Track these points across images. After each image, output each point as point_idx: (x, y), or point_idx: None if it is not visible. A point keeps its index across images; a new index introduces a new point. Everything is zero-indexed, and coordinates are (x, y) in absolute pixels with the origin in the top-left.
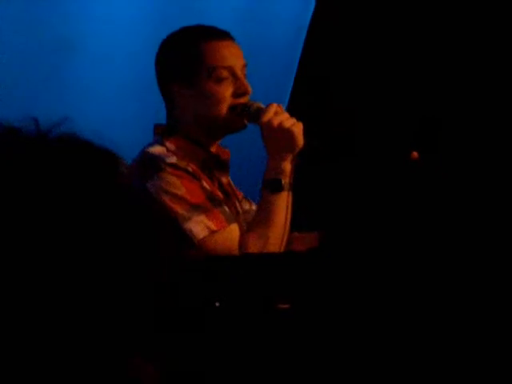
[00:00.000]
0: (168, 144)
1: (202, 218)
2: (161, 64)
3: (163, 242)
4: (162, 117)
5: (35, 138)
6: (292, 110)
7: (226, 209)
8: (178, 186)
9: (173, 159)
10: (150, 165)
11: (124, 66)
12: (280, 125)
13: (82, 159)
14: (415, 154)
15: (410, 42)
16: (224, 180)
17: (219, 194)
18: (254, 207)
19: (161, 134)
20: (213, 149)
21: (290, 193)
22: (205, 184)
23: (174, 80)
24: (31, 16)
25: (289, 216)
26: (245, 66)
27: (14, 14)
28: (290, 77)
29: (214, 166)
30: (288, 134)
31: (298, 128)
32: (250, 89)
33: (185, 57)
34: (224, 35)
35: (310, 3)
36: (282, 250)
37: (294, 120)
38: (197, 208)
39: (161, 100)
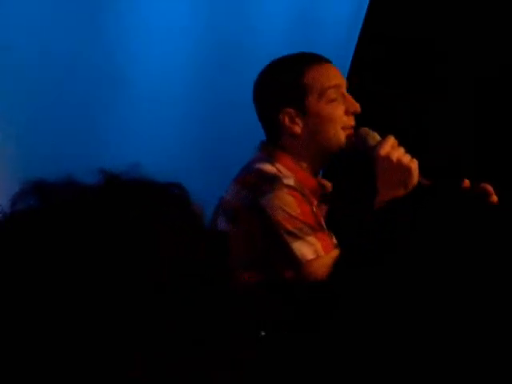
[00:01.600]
0: (279, 166)
1: (313, 240)
2: (265, 93)
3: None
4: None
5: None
6: None
7: (332, 235)
8: (294, 206)
9: (290, 181)
10: (267, 182)
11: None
12: (398, 160)
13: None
14: (467, 181)
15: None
16: (323, 213)
17: (323, 221)
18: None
19: (271, 154)
20: (318, 178)
21: None
22: (314, 209)
23: (283, 107)
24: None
25: None
26: (348, 86)
27: (58, 45)
28: None
29: (320, 195)
30: (405, 171)
31: (414, 165)
32: (359, 107)
33: (292, 84)
34: (324, 59)
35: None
36: None
37: (409, 156)
38: (308, 228)
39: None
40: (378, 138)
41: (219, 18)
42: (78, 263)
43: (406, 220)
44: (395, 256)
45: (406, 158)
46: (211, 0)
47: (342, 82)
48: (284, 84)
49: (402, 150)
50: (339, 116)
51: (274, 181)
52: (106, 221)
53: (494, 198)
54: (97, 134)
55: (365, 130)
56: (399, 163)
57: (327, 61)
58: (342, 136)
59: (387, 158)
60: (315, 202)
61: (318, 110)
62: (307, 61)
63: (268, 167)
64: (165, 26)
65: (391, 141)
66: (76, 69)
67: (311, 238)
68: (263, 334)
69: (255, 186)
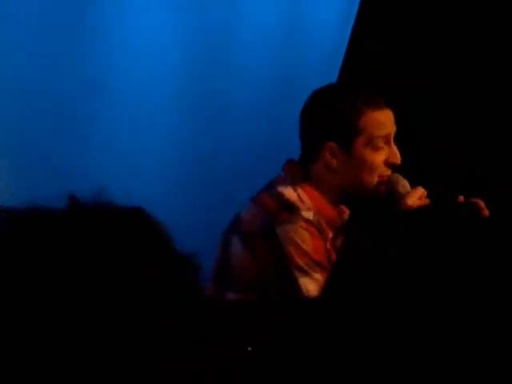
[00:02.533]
0: (301, 192)
1: (319, 276)
2: (316, 120)
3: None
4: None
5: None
6: None
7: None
8: (307, 241)
9: (309, 215)
10: (286, 211)
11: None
12: (411, 208)
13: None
14: (461, 197)
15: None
16: (340, 241)
17: (334, 256)
18: None
19: (295, 177)
20: (338, 208)
21: None
22: (328, 245)
23: (330, 138)
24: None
25: None
26: (395, 133)
27: (36, 53)
28: None
29: (337, 226)
30: None
31: None
32: (399, 160)
33: (346, 123)
34: (383, 103)
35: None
36: None
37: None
38: (317, 266)
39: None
40: (407, 186)
41: (204, 25)
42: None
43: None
44: (391, 272)
45: None
46: (197, 9)
47: (393, 130)
48: (338, 120)
49: (428, 202)
50: (379, 165)
51: (293, 211)
52: (66, 246)
53: (486, 213)
54: (75, 144)
55: (396, 176)
56: None
57: (385, 105)
58: (374, 183)
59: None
60: (330, 235)
61: (362, 155)
62: (368, 103)
63: (290, 192)
64: (149, 36)
65: (420, 192)
66: (58, 78)
67: (318, 276)
68: (250, 349)
69: (274, 212)
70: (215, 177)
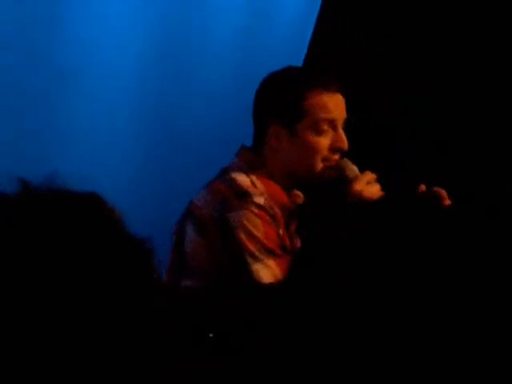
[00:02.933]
0: (253, 178)
1: (272, 263)
2: (263, 102)
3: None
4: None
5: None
6: None
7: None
8: (259, 227)
9: (260, 200)
10: (237, 197)
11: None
12: (370, 198)
13: (66, 216)
14: (423, 186)
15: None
16: (293, 225)
17: (287, 241)
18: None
19: (248, 163)
20: (292, 192)
21: None
22: (281, 231)
23: (274, 121)
24: (29, 44)
25: None
26: (345, 120)
27: (11, 40)
28: None
29: (290, 211)
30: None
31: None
32: (346, 145)
33: (290, 102)
34: (332, 85)
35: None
36: None
37: (383, 193)
38: (269, 252)
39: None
40: (356, 171)
41: (168, 17)
42: None
43: (363, 228)
44: (354, 262)
45: (378, 196)
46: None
47: (341, 116)
48: (283, 101)
49: (376, 187)
50: (323, 148)
51: (244, 197)
52: (18, 233)
53: (447, 202)
54: (37, 129)
55: (345, 161)
56: (370, 200)
57: (335, 89)
58: (317, 167)
59: (360, 193)
60: (282, 220)
61: (306, 137)
62: (314, 84)
63: (242, 178)
64: (116, 25)
65: (368, 177)
66: (27, 64)
67: (271, 262)
68: (211, 335)
69: (225, 198)
70: (177, 164)
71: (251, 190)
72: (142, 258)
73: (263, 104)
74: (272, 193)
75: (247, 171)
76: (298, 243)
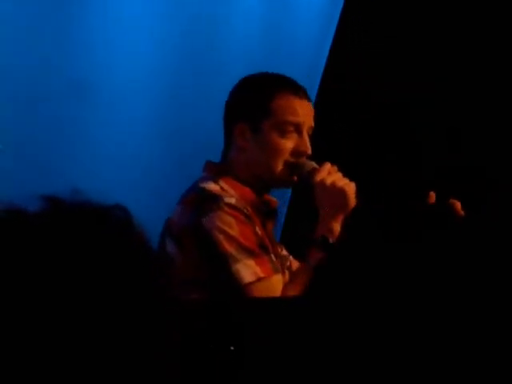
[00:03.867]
0: (222, 184)
1: (251, 262)
2: (232, 102)
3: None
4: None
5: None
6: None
7: (273, 257)
8: (233, 226)
9: (232, 200)
10: (209, 201)
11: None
12: (332, 184)
13: (94, 232)
14: (432, 194)
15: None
16: (270, 228)
17: (267, 241)
18: (284, 252)
19: (215, 172)
20: (263, 196)
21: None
22: (257, 229)
23: (240, 120)
24: (40, 59)
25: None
26: (312, 128)
27: (21, 54)
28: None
29: (264, 212)
30: (340, 193)
31: (350, 188)
32: (310, 150)
33: (257, 102)
34: (300, 91)
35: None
36: None
37: (346, 180)
38: (247, 251)
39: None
40: (314, 166)
41: (187, 28)
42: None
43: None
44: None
45: (341, 182)
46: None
47: (307, 122)
48: (251, 100)
49: (338, 175)
50: (285, 151)
51: (215, 200)
52: (52, 247)
53: (461, 213)
54: (55, 143)
55: (303, 160)
56: (333, 187)
57: (302, 94)
58: (278, 168)
59: (322, 183)
60: (258, 221)
61: (269, 137)
62: (284, 87)
63: (211, 186)
64: (132, 35)
65: (327, 167)
66: (41, 77)
67: (250, 262)
68: (232, 348)
69: (198, 205)
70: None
71: (220, 193)
72: (167, 275)
73: (232, 104)
74: (242, 194)
75: (215, 179)
76: (279, 247)
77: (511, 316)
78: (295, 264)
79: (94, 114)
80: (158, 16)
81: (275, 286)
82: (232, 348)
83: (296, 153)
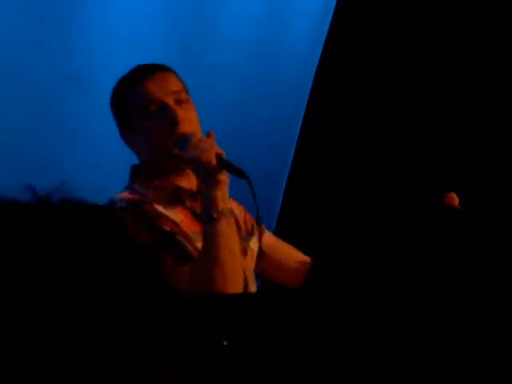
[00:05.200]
0: (136, 186)
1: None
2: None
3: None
4: None
5: (34, 208)
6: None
7: (186, 245)
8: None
9: (123, 204)
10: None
11: None
12: (189, 156)
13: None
14: (453, 195)
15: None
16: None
17: (194, 226)
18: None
19: (133, 177)
20: (181, 181)
21: (228, 221)
22: (161, 225)
23: (120, 127)
24: (38, 49)
25: (233, 247)
26: (180, 90)
27: (20, 45)
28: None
29: (186, 197)
30: (196, 163)
31: (206, 154)
32: (178, 116)
33: (119, 106)
34: (147, 72)
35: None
36: (238, 276)
37: (206, 147)
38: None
39: None
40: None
41: (185, 23)
42: None
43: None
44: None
45: (206, 154)
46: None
47: (162, 92)
48: (114, 106)
49: (201, 145)
50: (158, 133)
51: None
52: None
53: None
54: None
55: (184, 135)
56: (199, 159)
57: (150, 73)
58: (165, 150)
59: (189, 158)
60: (179, 209)
61: (141, 127)
62: (128, 81)
63: (116, 196)
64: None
65: (193, 142)
66: (37, 69)
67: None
68: (225, 343)
69: None
70: None
71: (114, 201)
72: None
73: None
74: (154, 188)
75: (131, 184)
76: (250, 224)
77: None
78: (270, 239)
79: (93, 107)
80: (158, 10)
81: (180, 276)
82: (225, 343)
83: (169, 125)
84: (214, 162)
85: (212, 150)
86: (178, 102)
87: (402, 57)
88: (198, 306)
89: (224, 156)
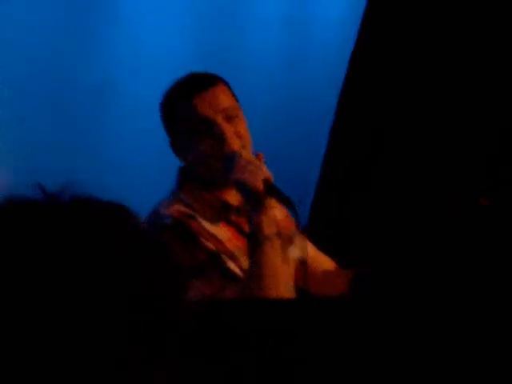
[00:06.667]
0: (183, 196)
1: (196, 282)
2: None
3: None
4: None
5: (46, 206)
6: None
7: (231, 265)
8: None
9: (168, 220)
10: (152, 223)
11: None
12: (237, 179)
13: (93, 224)
14: (484, 200)
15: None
16: (246, 226)
17: (238, 242)
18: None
19: (177, 181)
20: (228, 195)
21: (272, 244)
22: (207, 244)
23: (170, 137)
24: (64, 61)
25: (279, 270)
26: (230, 107)
27: (46, 57)
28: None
29: (232, 213)
30: (244, 187)
31: (253, 179)
32: (225, 134)
33: (169, 119)
34: (196, 87)
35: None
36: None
37: (254, 171)
38: (189, 271)
39: None
40: (232, 153)
41: (210, 30)
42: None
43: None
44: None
45: (253, 178)
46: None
47: (212, 111)
48: (164, 116)
49: (249, 168)
50: (206, 151)
51: (155, 222)
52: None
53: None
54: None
55: (233, 154)
56: (247, 183)
57: (202, 89)
58: (213, 167)
59: (236, 181)
60: (222, 225)
61: (189, 142)
62: (179, 93)
63: (162, 203)
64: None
65: (241, 163)
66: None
67: (194, 283)
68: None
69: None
70: None
71: (160, 212)
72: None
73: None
74: (201, 200)
75: (177, 190)
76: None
77: None
78: (310, 249)
79: (115, 115)
80: (183, 20)
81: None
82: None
83: (216, 145)
84: (261, 187)
85: (260, 174)
86: (228, 118)
87: (428, 64)
88: (208, 311)
89: (272, 180)
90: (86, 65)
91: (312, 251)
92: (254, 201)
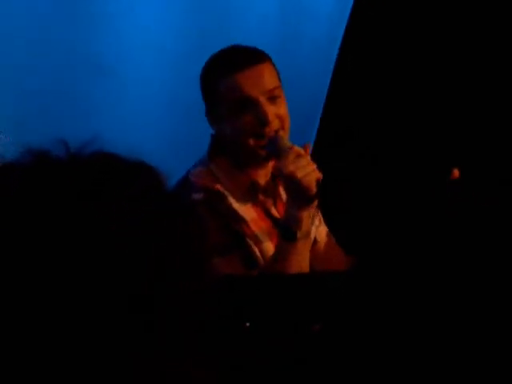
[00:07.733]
0: (212, 165)
1: (216, 262)
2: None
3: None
4: (195, 145)
5: (66, 159)
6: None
7: (255, 250)
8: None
9: (199, 195)
10: (182, 192)
11: (158, 91)
12: (300, 180)
13: (115, 175)
14: (456, 172)
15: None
16: (272, 207)
17: (263, 223)
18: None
19: (210, 152)
20: (258, 175)
21: (306, 241)
22: (234, 225)
23: (208, 109)
24: (66, 40)
25: (304, 264)
26: (273, 89)
27: (47, 36)
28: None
29: (260, 193)
30: (306, 188)
31: (308, 178)
32: (268, 117)
33: (209, 91)
34: (240, 63)
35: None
36: None
37: (312, 168)
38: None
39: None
40: (284, 146)
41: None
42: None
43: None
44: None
45: (301, 172)
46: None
47: (257, 91)
48: (203, 87)
49: (301, 163)
50: (244, 128)
51: (185, 195)
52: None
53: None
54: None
55: (276, 137)
56: (300, 183)
57: (246, 66)
58: (247, 145)
59: (290, 176)
60: (249, 204)
61: (228, 120)
62: (221, 67)
63: (196, 171)
64: (150, 22)
65: (293, 153)
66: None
67: (215, 260)
68: (248, 324)
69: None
70: None
71: (194, 185)
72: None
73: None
74: (230, 176)
75: (207, 160)
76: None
77: None
78: (324, 232)
79: (116, 93)
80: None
81: None
82: (248, 324)
83: (258, 124)
84: (314, 190)
85: (314, 175)
86: (271, 98)
87: (414, 57)
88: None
89: (321, 180)
90: (88, 42)
91: (324, 233)
92: (302, 200)
